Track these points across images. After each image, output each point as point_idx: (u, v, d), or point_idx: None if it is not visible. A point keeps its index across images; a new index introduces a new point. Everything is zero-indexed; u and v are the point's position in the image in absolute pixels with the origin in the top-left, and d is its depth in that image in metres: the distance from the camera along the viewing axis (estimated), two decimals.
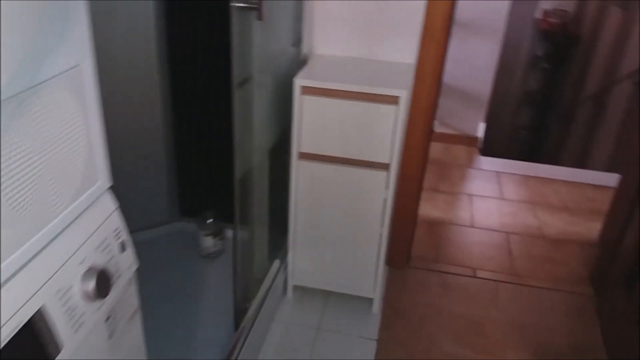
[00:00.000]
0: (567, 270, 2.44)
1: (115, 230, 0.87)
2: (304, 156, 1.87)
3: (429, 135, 2.07)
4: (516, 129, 3.61)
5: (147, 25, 1.96)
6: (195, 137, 2.19)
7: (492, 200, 3.04)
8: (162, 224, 2.35)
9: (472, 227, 2.76)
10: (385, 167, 1.82)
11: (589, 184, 3.28)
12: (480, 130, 3.70)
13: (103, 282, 0.81)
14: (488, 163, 3.49)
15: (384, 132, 1.76)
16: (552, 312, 2.17)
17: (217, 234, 2.12)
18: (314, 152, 1.85)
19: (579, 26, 3.18)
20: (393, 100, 1.72)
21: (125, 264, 0.90)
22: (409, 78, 1.86)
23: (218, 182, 2.23)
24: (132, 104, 2.04)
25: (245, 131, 1.61)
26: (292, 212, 1.98)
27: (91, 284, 0.79)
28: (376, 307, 2.10)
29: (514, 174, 3.37)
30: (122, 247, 0.89)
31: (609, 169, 3.34)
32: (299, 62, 1.99)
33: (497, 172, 3.39)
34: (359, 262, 2.02)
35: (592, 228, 2.79)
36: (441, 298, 2.22)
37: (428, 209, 2.89)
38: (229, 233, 2.21)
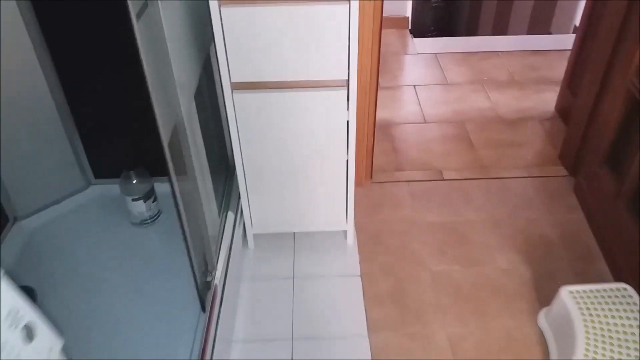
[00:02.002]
0: (532, 152, 2.31)
1: (10, 314, 0.52)
2: (239, 86, 1.49)
3: (380, 33, 1.73)
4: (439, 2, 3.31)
5: None
6: (90, 89, 1.72)
7: (437, 88, 2.80)
8: (76, 192, 1.94)
9: (425, 122, 2.54)
10: (343, 84, 1.49)
11: (527, 51, 3.11)
12: (409, 9, 3.37)
13: None
14: (423, 45, 3.20)
15: (335, 41, 1.40)
16: (529, 203, 2.05)
17: (149, 195, 1.75)
18: (251, 81, 1.47)
19: None
20: None
21: (41, 355, 0.56)
22: None
23: (132, 135, 1.81)
24: None
25: (161, 69, 1.21)
26: (237, 154, 1.64)
27: None
28: (351, 238, 1.87)
29: (452, 52, 3.13)
30: (29, 334, 0.55)
31: (535, 30, 3.17)
32: None
33: (435, 54, 3.13)
34: (325, 196, 1.75)
35: (544, 100, 2.65)
36: (414, 210, 2.03)
37: None
38: (162, 188, 1.85)
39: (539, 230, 1.92)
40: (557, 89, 2.69)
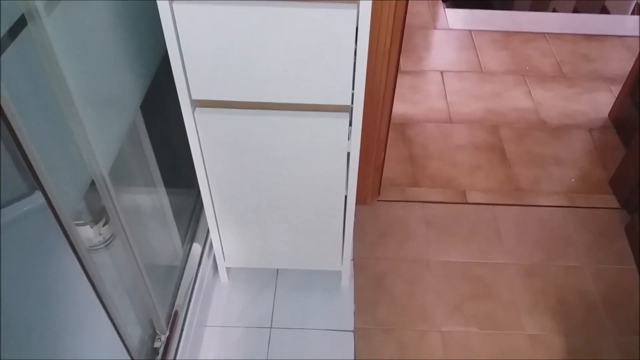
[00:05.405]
0: (578, 173, 1.90)
1: None
2: (204, 104, 1.11)
3: (401, 36, 1.30)
4: None
5: None
6: None
7: (469, 77, 2.36)
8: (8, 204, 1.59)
9: (451, 122, 2.12)
10: (344, 109, 1.10)
11: (580, 35, 2.62)
12: None
13: None
14: (456, 19, 2.73)
15: (336, 56, 1.00)
16: (569, 243, 1.67)
17: (99, 218, 1.40)
18: (219, 99, 1.09)
19: None
20: None
21: None
22: None
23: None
24: None
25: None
26: (202, 180, 1.27)
27: None
28: (346, 280, 1.53)
29: (490, 31, 2.65)
30: None
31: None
32: None
33: (470, 30, 2.66)
34: (315, 232, 1.39)
35: (597, 102, 2.20)
36: (428, 245, 1.66)
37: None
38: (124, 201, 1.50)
39: (579, 285, 1.56)
40: (613, 89, 2.24)
